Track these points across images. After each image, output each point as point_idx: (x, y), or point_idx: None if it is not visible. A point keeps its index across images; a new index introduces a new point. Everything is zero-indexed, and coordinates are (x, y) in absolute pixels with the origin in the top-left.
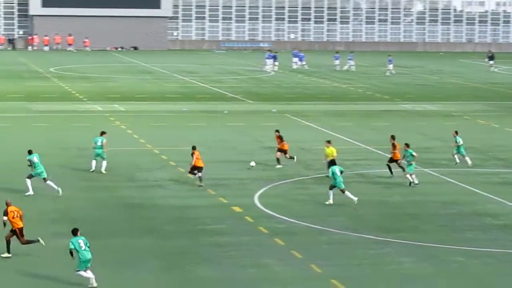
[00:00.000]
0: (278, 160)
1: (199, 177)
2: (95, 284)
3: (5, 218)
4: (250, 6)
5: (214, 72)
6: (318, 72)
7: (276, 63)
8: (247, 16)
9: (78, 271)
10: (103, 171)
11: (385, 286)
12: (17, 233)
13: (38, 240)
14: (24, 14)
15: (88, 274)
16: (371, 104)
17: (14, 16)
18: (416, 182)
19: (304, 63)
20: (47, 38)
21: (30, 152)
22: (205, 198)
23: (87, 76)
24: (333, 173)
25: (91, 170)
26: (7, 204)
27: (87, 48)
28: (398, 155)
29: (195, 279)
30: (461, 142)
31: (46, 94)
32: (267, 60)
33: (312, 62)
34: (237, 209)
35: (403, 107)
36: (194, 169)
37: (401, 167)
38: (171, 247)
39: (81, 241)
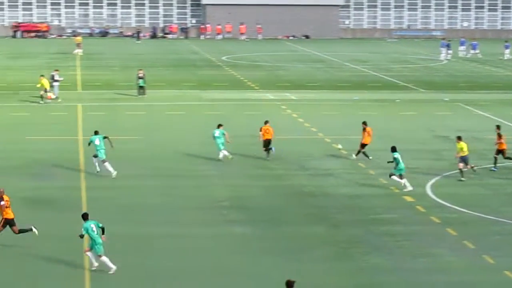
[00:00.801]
0: (363, 153)
1: (269, 149)
2: (113, 269)
3: (2, 203)
4: None
5: (386, 61)
6: (491, 60)
7: (450, 51)
8: (420, 4)
9: (100, 256)
10: (228, 157)
11: None
12: (10, 223)
13: (31, 229)
14: (196, 3)
15: (104, 258)
16: None
17: (187, 5)
18: None
19: (477, 51)
20: (219, 27)
21: (96, 133)
22: (377, 187)
23: (259, 65)
24: (395, 159)
25: (230, 157)
26: (1, 193)
27: (259, 36)
28: (504, 146)
29: (366, 267)
30: None
31: (218, 82)
32: (442, 49)
33: (485, 50)
34: (408, 198)
35: None
36: (266, 143)
37: (509, 157)
38: (342, 236)
39: (93, 225)
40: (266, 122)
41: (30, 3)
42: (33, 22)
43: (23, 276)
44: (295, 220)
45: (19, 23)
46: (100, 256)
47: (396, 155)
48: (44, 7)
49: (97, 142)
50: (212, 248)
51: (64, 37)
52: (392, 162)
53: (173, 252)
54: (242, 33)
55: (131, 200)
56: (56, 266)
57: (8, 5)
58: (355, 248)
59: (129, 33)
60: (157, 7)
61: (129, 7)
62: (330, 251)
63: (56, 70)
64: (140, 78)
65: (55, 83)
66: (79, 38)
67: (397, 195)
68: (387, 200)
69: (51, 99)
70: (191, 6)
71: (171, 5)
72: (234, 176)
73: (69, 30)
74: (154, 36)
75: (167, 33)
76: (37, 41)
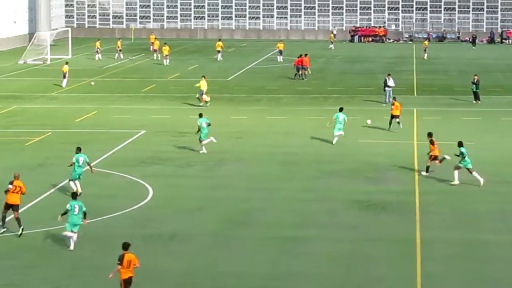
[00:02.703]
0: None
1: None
2: (71, 248)
3: (10, 186)
4: None
5: None
6: None
7: None
8: None
9: (65, 231)
10: None
11: None
12: (10, 207)
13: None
14: None
15: (69, 234)
16: None
17: None
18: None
19: None
20: None
21: (200, 116)
22: None
23: None
24: (462, 153)
25: None
26: (14, 177)
27: None
28: None
29: None
30: None
31: None
32: None
33: None
34: None
35: None
36: (394, 116)
37: None
38: None
39: (76, 206)
40: (394, 98)
41: (368, 8)
42: (371, 27)
43: (358, 278)
44: None
45: (357, 27)
46: (65, 231)
47: (463, 149)
48: (382, 11)
49: (204, 124)
50: None
51: (401, 41)
52: (458, 156)
53: (506, 260)
54: None
55: (465, 205)
56: (390, 269)
57: (346, 9)
58: None
59: (466, 38)
60: (495, 12)
61: (467, 12)
62: None
63: (389, 75)
64: (473, 83)
65: (387, 88)
66: (426, 43)
67: None
68: None
69: (206, 101)
70: None
71: (509, 10)
72: None
73: (406, 35)
74: (491, 41)
75: (505, 38)
76: (374, 45)
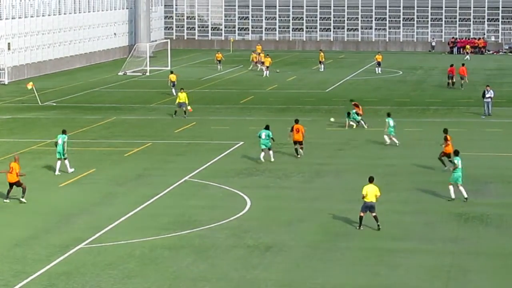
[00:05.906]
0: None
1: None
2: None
3: (3, 171)
4: None
5: None
6: None
7: None
8: None
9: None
10: None
11: None
12: (10, 186)
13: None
14: None
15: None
16: None
17: None
18: None
19: None
20: None
21: (63, 132)
22: None
23: None
24: (259, 136)
25: None
26: (14, 159)
27: None
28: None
29: None
30: None
31: None
32: None
33: None
34: None
35: None
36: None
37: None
38: None
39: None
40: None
41: (467, 19)
42: (470, 38)
43: None
44: None
45: (456, 39)
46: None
47: (265, 132)
48: (482, 23)
49: (59, 141)
50: None
51: (501, 53)
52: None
53: None
54: None
55: None
56: (490, 282)
57: (445, 21)
58: None
59: None
60: None
61: None
62: None
63: (488, 86)
64: None
65: (486, 100)
66: None
67: None
68: None
69: (190, 111)
70: None
71: None
72: None
73: (506, 47)
74: None
75: None
76: (474, 57)
